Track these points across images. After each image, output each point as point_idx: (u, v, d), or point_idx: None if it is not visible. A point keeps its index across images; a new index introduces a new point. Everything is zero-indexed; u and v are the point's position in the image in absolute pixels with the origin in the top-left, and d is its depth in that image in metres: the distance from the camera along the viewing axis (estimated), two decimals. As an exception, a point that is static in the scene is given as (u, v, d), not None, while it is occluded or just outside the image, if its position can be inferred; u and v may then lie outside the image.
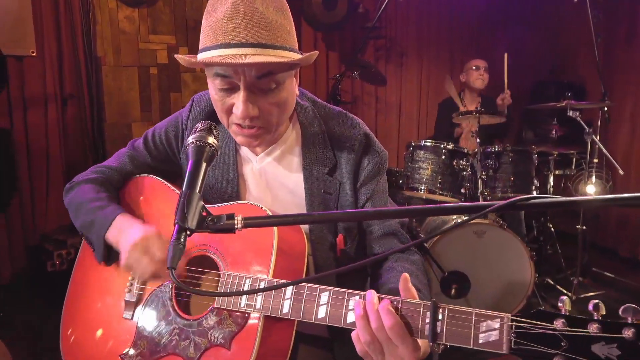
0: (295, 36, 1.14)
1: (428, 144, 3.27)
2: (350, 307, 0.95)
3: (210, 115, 1.27)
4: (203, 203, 0.87)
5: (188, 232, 0.83)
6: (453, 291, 2.99)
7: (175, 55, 1.12)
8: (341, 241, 1.24)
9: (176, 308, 1.18)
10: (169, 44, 3.81)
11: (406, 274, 0.92)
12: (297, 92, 1.22)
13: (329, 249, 1.22)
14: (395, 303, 0.90)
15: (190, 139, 0.95)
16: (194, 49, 3.94)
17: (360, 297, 0.94)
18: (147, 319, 1.21)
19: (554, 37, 5.21)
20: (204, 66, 1.09)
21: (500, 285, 3.01)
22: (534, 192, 3.23)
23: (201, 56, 1.07)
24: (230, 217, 0.86)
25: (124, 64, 3.67)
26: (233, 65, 1.02)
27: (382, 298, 0.91)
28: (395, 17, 4.81)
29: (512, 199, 0.79)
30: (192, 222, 0.83)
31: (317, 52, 1.13)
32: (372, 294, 0.91)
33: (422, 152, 3.28)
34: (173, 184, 1.34)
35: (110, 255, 1.26)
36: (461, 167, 3.19)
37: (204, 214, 0.86)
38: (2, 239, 3.27)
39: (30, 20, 3.29)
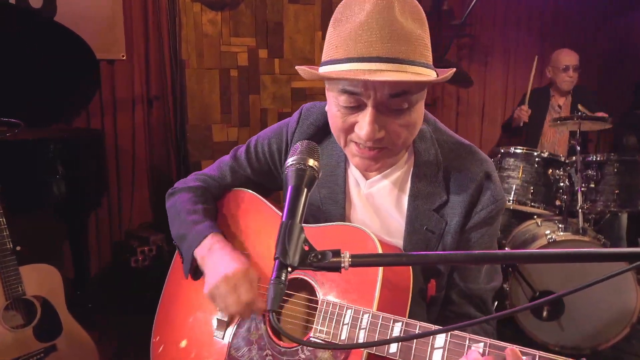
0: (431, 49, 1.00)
1: (519, 151, 3.05)
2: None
3: (319, 131, 1.20)
4: (305, 235, 0.78)
5: (289, 269, 0.74)
6: (545, 313, 2.75)
7: (297, 67, 1.00)
8: (433, 287, 1.11)
9: (270, 333, 1.12)
10: (249, 46, 3.83)
11: (515, 349, 0.78)
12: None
13: (418, 293, 1.09)
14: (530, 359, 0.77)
15: (289, 161, 0.86)
16: (273, 51, 3.95)
17: (485, 346, 0.82)
18: (239, 341, 1.16)
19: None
20: (327, 80, 0.98)
21: (600, 310, 2.72)
22: (642, 207, 2.91)
23: (328, 69, 0.96)
24: (336, 253, 0.76)
25: (206, 67, 3.73)
26: (366, 82, 0.91)
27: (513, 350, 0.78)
28: (480, 13, 4.55)
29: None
30: (293, 258, 0.74)
31: (455, 69, 0.99)
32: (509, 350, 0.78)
33: (512, 159, 3.06)
34: (271, 201, 1.28)
35: (196, 272, 1.23)
36: (557, 177, 2.94)
37: (307, 248, 0.76)
38: (91, 234, 3.43)
39: (121, 25, 3.41)
